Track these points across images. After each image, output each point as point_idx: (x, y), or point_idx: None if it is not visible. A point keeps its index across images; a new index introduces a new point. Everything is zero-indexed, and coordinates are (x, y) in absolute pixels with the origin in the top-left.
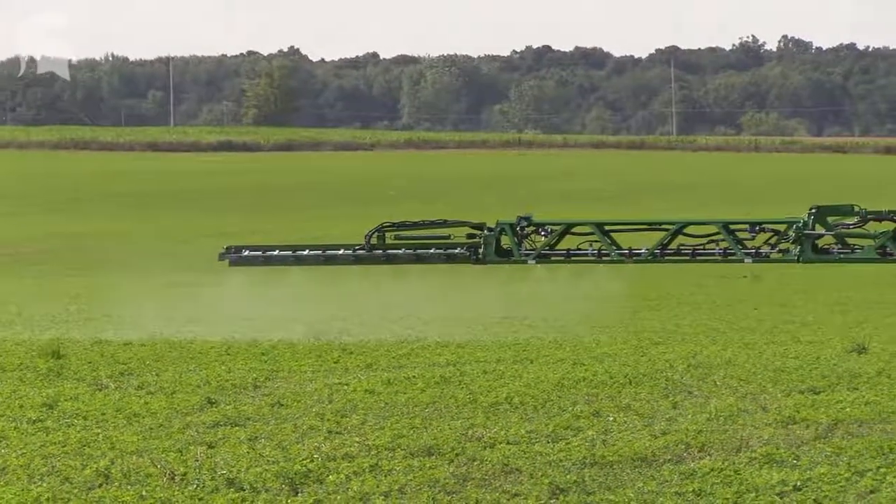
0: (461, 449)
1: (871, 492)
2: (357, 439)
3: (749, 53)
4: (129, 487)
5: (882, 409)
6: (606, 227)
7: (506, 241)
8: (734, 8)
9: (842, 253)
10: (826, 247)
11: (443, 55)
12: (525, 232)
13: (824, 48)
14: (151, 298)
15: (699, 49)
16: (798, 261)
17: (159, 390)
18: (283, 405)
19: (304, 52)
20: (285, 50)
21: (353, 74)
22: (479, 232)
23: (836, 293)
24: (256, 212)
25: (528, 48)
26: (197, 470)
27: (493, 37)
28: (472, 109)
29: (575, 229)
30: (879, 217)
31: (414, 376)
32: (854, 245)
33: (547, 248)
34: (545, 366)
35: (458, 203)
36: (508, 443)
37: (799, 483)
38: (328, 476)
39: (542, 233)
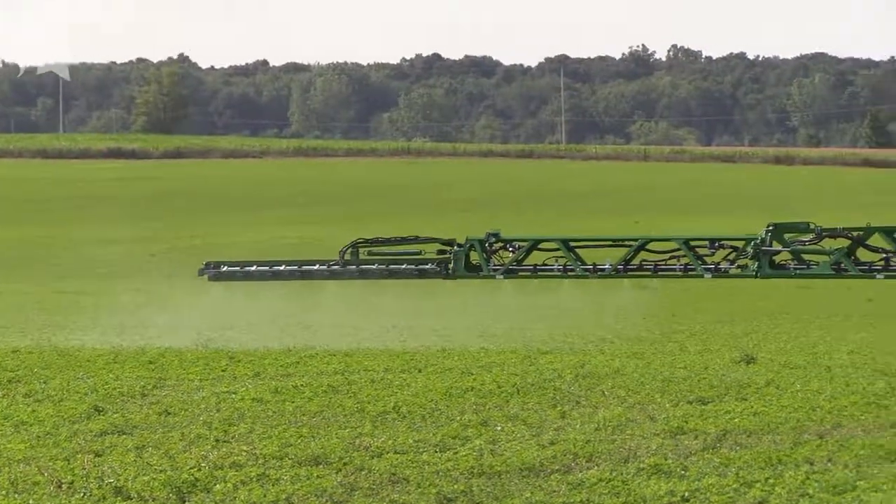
0: (349, 458)
1: (760, 503)
2: (245, 448)
3: (639, 62)
4: (16, 496)
5: (770, 419)
6: (572, 244)
7: (475, 257)
8: (624, 17)
9: (798, 269)
10: (783, 262)
11: (332, 63)
12: (493, 248)
13: (714, 57)
14: (38, 306)
15: (589, 58)
16: (756, 276)
17: (47, 398)
18: (170, 413)
19: (193, 59)
20: (175, 57)
21: (243, 82)
22: (449, 248)
23: (725, 303)
24: (147, 219)
25: (418, 56)
26: (84, 478)
27: (382, 44)
28: (362, 117)
29: (542, 245)
30: (834, 234)
31: (302, 385)
32: (810, 261)
33: (514, 263)
34: (433, 375)
35: (351, 211)
36: (396, 452)
37: (687, 494)
38: (216, 485)
39: (510, 248)
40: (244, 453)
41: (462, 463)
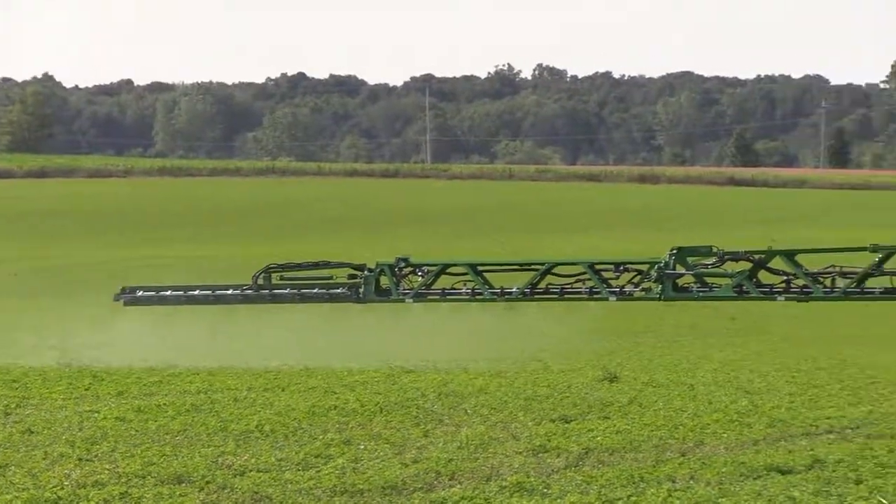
0: (211, 477)
1: None
2: (107, 467)
3: (504, 82)
4: None
5: (633, 437)
6: (480, 268)
7: (385, 281)
8: (490, 36)
9: (701, 291)
10: (686, 285)
11: (197, 82)
12: (403, 272)
13: (580, 76)
14: None
15: (454, 77)
16: (660, 299)
17: None
18: (33, 432)
19: (58, 78)
20: (39, 76)
21: (108, 101)
22: (359, 273)
23: (589, 322)
24: (9, 238)
25: (283, 75)
26: None
27: (247, 64)
28: (226, 137)
29: (450, 269)
30: (736, 257)
31: (164, 404)
32: (712, 284)
33: (424, 287)
34: (296, 394)
35: (216, 231)
36: (259, 471)
37: None
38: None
39: (419, 273)
40: (107, 472)
41: (325, 481)
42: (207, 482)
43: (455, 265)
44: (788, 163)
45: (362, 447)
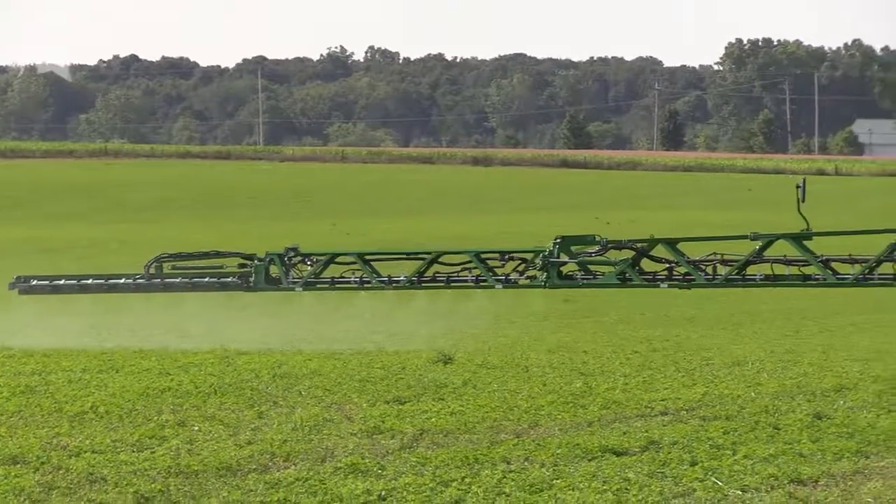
0: (47, 457)
1: (457, 502)
2: None
3: (336, 64)
4: None
5: (467, 419)
6: (367, 257)
7: (274, 270)
8: (322, 18)
9: (585, 279)
10: (570, 273)
11: (29, 65)
12: (293, 261)
13: (412, 58)
14: None
15: (287, 59)
16: (545, 286)
17: None
18: None
19: None
20: None
21: None
22: (249, 262)
23: (426, 304)
24: None
25: (116, 57)
26: None
27: (80, 46)
28: (59, 119)
29: (340, 259)
30: (619, 246)
31: None
32: (596, 272)
33: (313, 276)
34: (131, 375)
35: (52, 211)
36: (94, 452)
37: (384, 493)
38: None
39: (309, 262)
40: None
41: (159, 462)
42: (42, 463)
43: (344, 254)
44: (621, 145)
45: (197, 428)
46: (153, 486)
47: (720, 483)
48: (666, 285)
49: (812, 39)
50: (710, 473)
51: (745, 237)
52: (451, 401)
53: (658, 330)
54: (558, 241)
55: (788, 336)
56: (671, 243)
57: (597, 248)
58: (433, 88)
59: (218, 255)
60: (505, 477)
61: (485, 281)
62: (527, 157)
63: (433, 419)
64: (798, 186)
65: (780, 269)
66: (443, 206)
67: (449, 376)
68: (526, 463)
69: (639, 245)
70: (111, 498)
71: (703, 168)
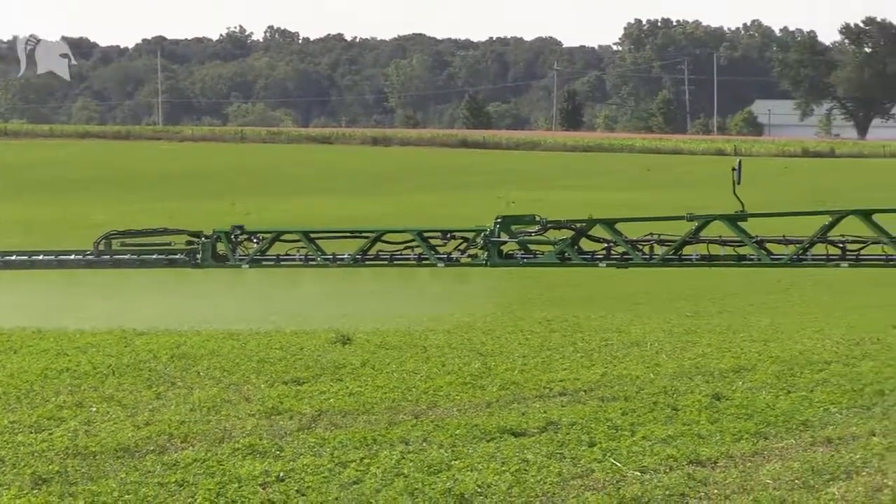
0: None
1: (355, 482)
2: None
3: (236, 43)
4: None
5: (366, 399)
6: (312, 235)
7: (221, 248)
8: None
9: (525, 258)
10: (511, 252)
11: None
12: (239, 239)
13: (311, 38)
14: None
15: (186, 39)
16: (486, 265)
17: None
18: None
19: None
20: None
21: None
22: (196, 239)
23: (323, 285)
24: None
25: (14, 38)
26: None
27: None
28: None
29: (285, 237)
30: (559, 226)
31: None
32: (536, 251)
33: (259, 253)
34: (28, 356)
35: None
36: None
37: (282, 474)
38: None
39: (255, 240)
40: None
41: (57, 443)
42: None
43: (289, 232)
44: (521, 125)
45: (94, 409)
46: (51, 467)
47: (619, 464)
48: (604, 264)
49: (711, 20)
50: (608, 454)
51: (681, 218)
52: (350, 382)
53: (556, 311)
54: (499, 220)
55: (687, 317)
56: (609, 223)
57: (537, 227)
58: (332, 68)
59: (166, 231)
60: (403, 458)
61: (427, 259)
62: (426, 138)
63: (331, 400)
64: (734, 169)
65: (716, 250)
66: (342, 186)
67: (347, 357)
68: (424, 444)
69: (578, 225)
70: (8, 479)
71: (602, 148)
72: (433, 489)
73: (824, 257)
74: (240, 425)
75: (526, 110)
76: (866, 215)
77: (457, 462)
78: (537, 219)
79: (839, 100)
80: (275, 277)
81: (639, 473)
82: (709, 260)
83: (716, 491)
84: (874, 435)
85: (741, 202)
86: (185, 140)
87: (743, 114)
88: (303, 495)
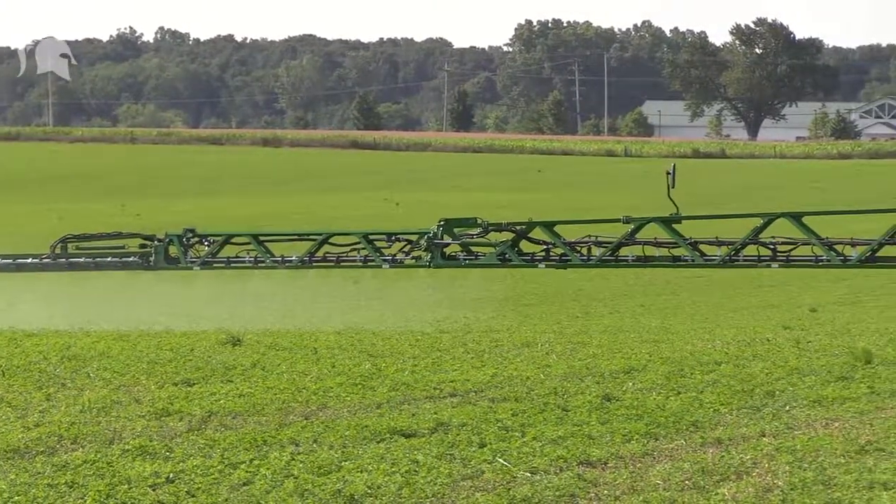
0: None
1: (245, 484)
2: None
3: (126, 44)
4: None
5: (256, 401)
6: (262, 238)
7: (173, 251)
8: None
9: (467, 259)
10: (454, 254)
11: None
12: (191, 242)
13: (202, 39)
14: None
15: (77, 40)
16: (429, 266)
17: None
18: None
19: None
20: None
21: None
22: (150, 243)
23: (216, 286)
24: None
25: None
26: None
27: None
28: None
29: (234, 239)
30: (499, 228)
31: None
32: (478, 252)
33: (210, 256)
34: None
35: None
36: None
37: (172, 475)
38: None
39: (206, 243)
40: None
41: None
42: None
43: (239, 235)
44: (411, 126)
45: None
46: None
47: (509, 465)
48: (544, 266)
49: (602, 20)
50: (498, 455)
51: (618, 220)
52: (240, 383)
53: (446, 311)
54: (442, 223)
55: (578, 318)
56: (548, 226)
57: (478, 230)
58: (223, 69)
59: (120, 235)
60: (293, 459)
61: (372, 261)
62: (316, 139)
63: (222, 401)
64: (668, 173)
65: (651, 251)
66: (233, 187)
67: (238, 358)
68: (314, 445)
69: (518, 227)
70: None
71: (492, 149)
72: (323, 490)
73: (756, 258)
74: (130, 426)
75: (416, 111)
76: (796, 218)
77: (347, 463)
78: (479, 221)
79: (730, 101)
80: (170, 280)
81: (529, 474)
82: (644, 261)
83: (606, 492)
84: (764, 436)
85: (675, 205)
86: (75, 141)
87: (633, 114)
88: (192, 497)
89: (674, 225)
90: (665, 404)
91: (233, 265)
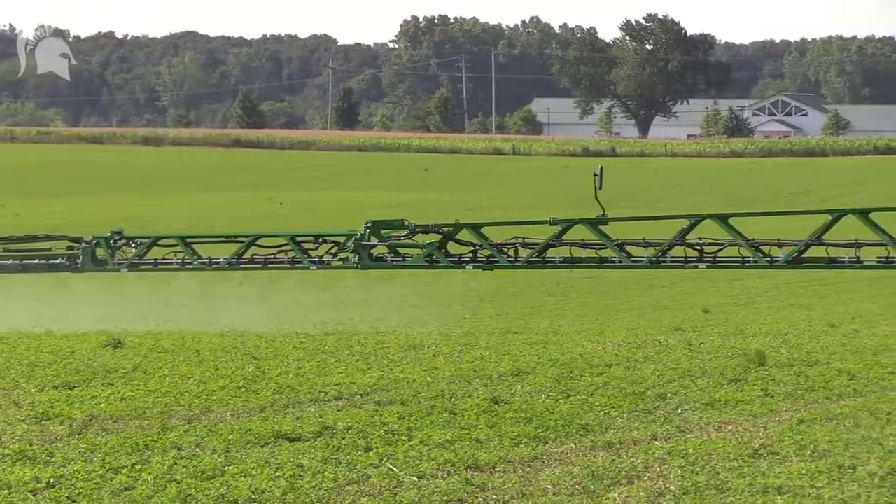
0: None
1: (126, 489)
2: None
3: (5, 42)
4: None
5: (137, 404)
6: (189, 240)
7: (101, 253)
8: None
9: (395, 261)
10: (381, 256)
11: None
12: (118, 244)
13: (83, 36)
14: None
15: None
16: (357, 268)
17: None
18: None
19: None
20: None
21: None
22: (77, 245)
23: (94, 288)
24: None
25: None
26: None
27: None
28: None
29: (162, 242)
30: (427, 230)
31: None
32: (405, 254)
33: (137, 258)
34: None
35: None
36: None
37: (52, 480)
38: None
39: (133, 245)
40: None
41: None
42: None
43: (166, 237)
44: (295, 124)
45: None
46: None
47: (395, 469)
48: (471, 267)
49: (489, 17)
50: (384, 459)
51: (545, 222)
52: (121, 386)
53: (332, 313)
54: (369, 225)
55: (465, 319)
56: (475, 227)
57: (405, 231)
58: (104, 67)
59: (47, 238)
60: (176, 463)
61: (300, 263)
62: (199, 137)
63: (103, 405)
64: (595, 175)
65: (578, 252)
66: (113, 186)
67: (119, 361)
68: (197, 449)
69: (445, 229)
70: None
71: (378, 148)
72: (206, 495)
73: (683, 259)
74: (9, 430)
75: (301, 109)
76: (723, 219)
77: (230, 468)
78: (406, 223)
79: (620, 98)
80: (43, 281)
81: (416, 479)
82: (571, 262)
83: (494, 496)
84: (655, 439)
85: (602, 206)
86: None
87: (522, 112)
88: (73, 502)
89: (601, 227)
90: (554, 407)
91: (160, 267)
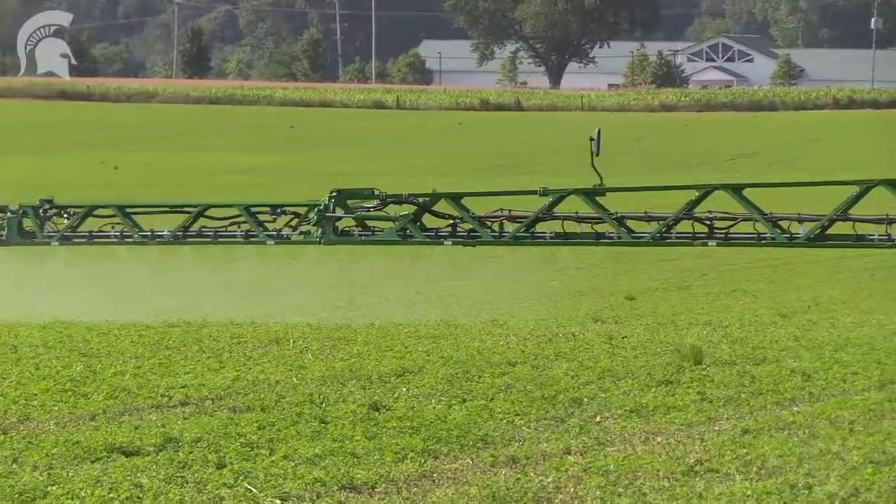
0: None
1: None
2: None
3: None
4: None
5: None
6: (128, 210)
7: (28, 224)
8: None
9: (363, 235)
10: (348, 229)
11: None
12: (48, 214)
13: None
14: None
15: None
16: (320, 243)
17: None
18: None
19: None
20: None
21: None
22: (1, 214)
23: None
24: None
25: None
26: None
27: None
28: None
29: (98, 212)
30: (399, 200)
31: None
32: (375, 227)
33: (70, 230)
34: None
35: None
36: None
37: None
38: None
39: (65, 215)
40: None
41: None
42: None
43: (103, 206)
44: (134, 72)
45: None
46: None
47: (254, 490)
48: (450, 242)
49: None
50: (241, 478)
51: (534, 192)
52: None
53: (176, 300)
54: (334, 194)
55: (339, 307)
56: (455, 198)
57: (375, 202)
58: None
59: None
60: None
61: (255, 236)
62: (16, 88)
63: None
64: (592, 139)
65: (572, 227)
66: None
67: None
68: (14, 465)
69: (421, 200)
70: None
71: (234, 100)
72: None
73: (690, 235)
74: None
75: (140, 54)
76: (737, 190)
77: (54, 488)
78: (376, 193)
79: (526, 40)
80: None
81: (279, 501)
82: (564, 237)
83: None
84: (569, 453)
85: (599, 175)
86: None
87: (408, 57)
88: None
89: (597, 198)
90: (447, 415)
91: (96, 240)
